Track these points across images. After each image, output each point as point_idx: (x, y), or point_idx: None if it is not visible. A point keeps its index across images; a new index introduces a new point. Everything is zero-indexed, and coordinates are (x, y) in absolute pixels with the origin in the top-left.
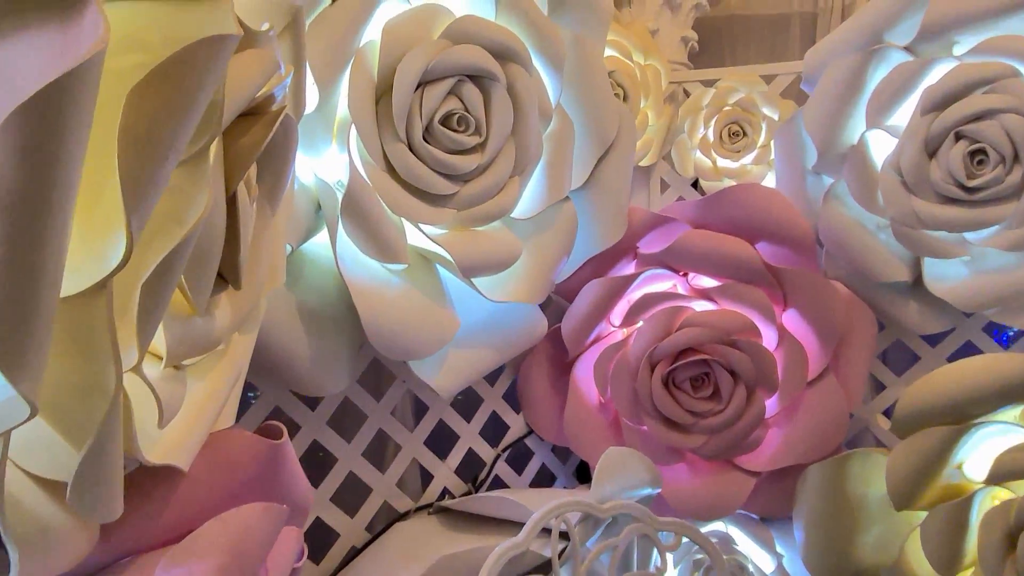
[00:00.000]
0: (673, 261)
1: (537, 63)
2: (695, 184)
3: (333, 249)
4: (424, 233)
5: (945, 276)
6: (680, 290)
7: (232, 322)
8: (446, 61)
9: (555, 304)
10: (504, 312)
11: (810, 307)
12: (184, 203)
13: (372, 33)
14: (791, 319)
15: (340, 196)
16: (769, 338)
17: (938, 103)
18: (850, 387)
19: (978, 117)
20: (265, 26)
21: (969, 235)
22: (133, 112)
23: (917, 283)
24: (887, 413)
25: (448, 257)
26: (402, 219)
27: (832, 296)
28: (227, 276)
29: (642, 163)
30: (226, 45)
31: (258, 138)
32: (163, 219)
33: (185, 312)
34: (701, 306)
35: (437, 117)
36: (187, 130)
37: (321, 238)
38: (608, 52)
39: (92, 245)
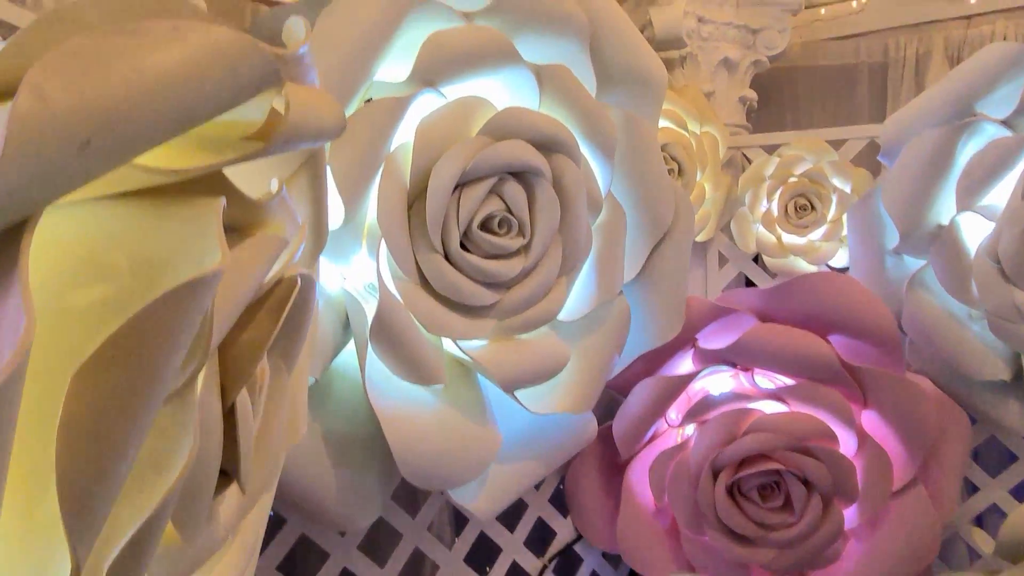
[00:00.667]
0: (738, 358)
1: (585, 150)
2: (756, 259)
3: (362, 372)
4: (460, 349)
5: None
6: (745, 389)
7: (238, 515)
8: (486, 160)
9: (605, 396)
10: (550, 416)
11: (894, 409)
12: (165, 446)
13: (405, 132)
14: (872, 421)
15: (370, 308)
16: (847, 443)
17: None
18: (942, 497)
19: None
20: (274, 184)
21: None
22: (77, 401)
23: (1017, 380)
24: (980, 520)
25: (487, 371)
26: None
27: (919, 397)
28: (229, 472)
29: (698, 238)
30: (203, 291)
31: (264, 332)
32: (138, 466)
33: (173, 544)
34: (769, 407)
35: (476, 221)
36: (151, 410)
37: (350, 346)
38: (661, 123)
39: (34, 554)
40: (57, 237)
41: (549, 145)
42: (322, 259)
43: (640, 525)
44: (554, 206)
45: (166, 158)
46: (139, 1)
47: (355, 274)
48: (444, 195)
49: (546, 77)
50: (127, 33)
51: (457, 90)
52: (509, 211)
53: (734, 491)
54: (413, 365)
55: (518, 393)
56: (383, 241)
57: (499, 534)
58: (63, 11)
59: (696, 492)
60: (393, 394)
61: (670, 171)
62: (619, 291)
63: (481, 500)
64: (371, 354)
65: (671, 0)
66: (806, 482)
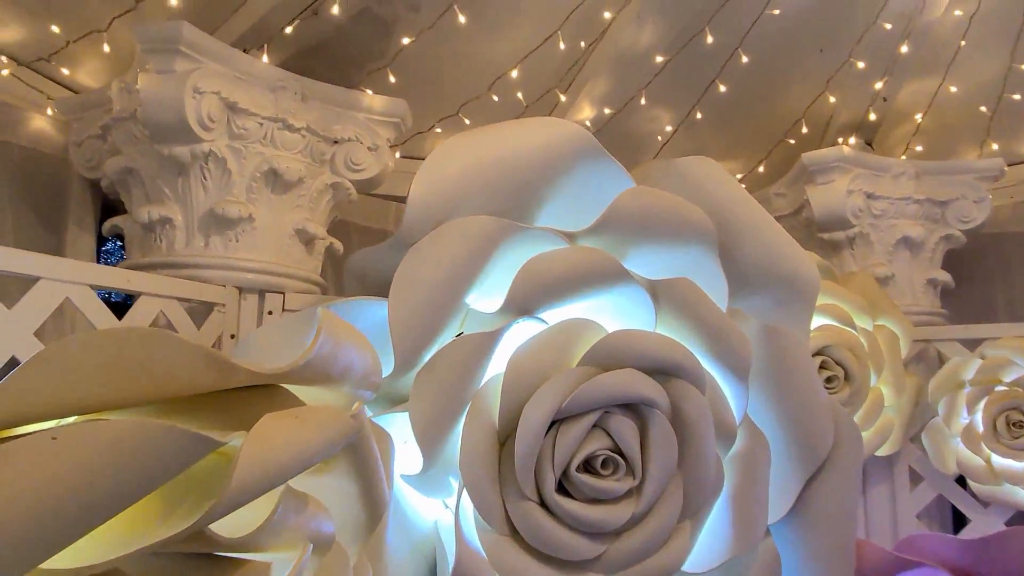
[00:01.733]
0: None
1: (714, 371)
2: (961, 480)
3: None
4: None
5: None
6: None
7: None
8: (586, 395)
9: None
10: None
11: None
12: None
13: (500, 362)
14: None
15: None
16: None
17: None
18: None
19: None
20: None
21: None
22: None
23: None
24: None
25: None
26: None
27: None
28: None
29: (881, 452)
30: None
31: None
32: None
33: None
34: None
35: (575, 462)
36: None
37: None
38: (819, 321)
39: None
40: None
41: (665, 370)
42: (416, 493)
43: None
44: (670, 440)
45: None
46: (126, 339)
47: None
48: (535, 438)
49: (662, 292)
50: None
51: (560, 314)
52: (616, 449)
53: None
54: None
55: None
56: (463, 499)
57: None
58: (51, 352)
59: None
60: None
61: (833, 379)
62: (763, 535)
63: None
64: None
65: (831, 177)
66: None
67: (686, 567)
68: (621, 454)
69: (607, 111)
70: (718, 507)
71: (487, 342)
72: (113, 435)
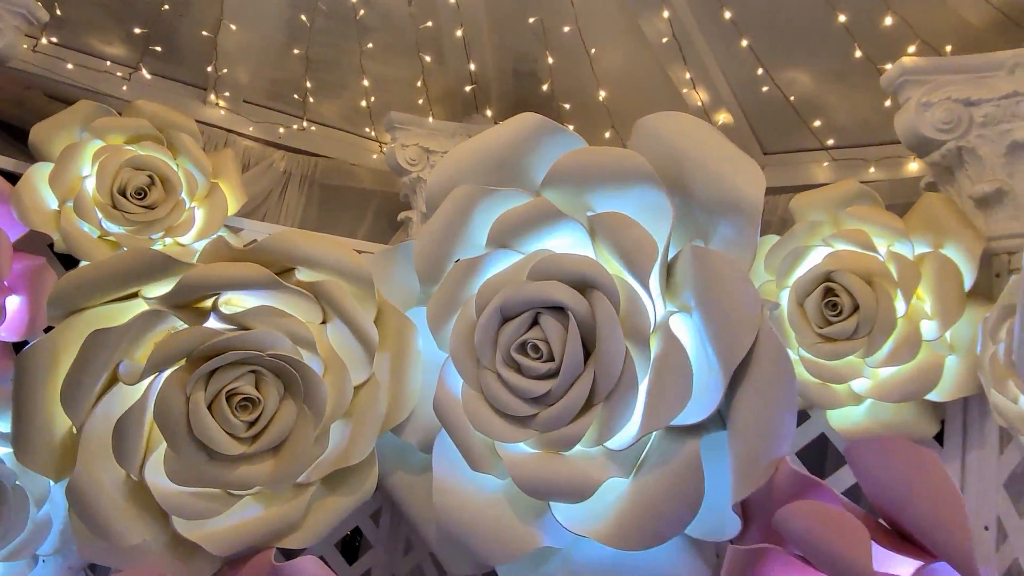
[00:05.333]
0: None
1: (636, 285)
2: None
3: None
4: (502, 449)
5: None
6: None
7: None
8: (514, 297)
9: None
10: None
11: None
12: None
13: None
14: None
15: None
16: None
17: None
18: None
19: None
20: None
21: None
22: None
23: None
24: None
25: (511, 473)
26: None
27: None
28: None
29: (934, 397)
30: None
31: None
32: None
33: None
34: None
35: (514, 346)
36: None
37: None
38: (838, 247)
39: None
40: None
41: (585, 283)
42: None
43: None
44: (576, 337)
45: None
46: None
47: None
48: (487, 323)
49: (596, 225)
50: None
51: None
52: (546, 339)
53: None
54: (465, 451)
55: (557, 506)
56: (448, 361)
57: None
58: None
59: None
60: (456, 469)
61: (836, 305)
62: (664, 425)
63: None
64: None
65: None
66: None
67: (610, 444)
68: (545, 344)
69: None
70: (640, 401)
71: (472, 265)
72: (133, 253)
